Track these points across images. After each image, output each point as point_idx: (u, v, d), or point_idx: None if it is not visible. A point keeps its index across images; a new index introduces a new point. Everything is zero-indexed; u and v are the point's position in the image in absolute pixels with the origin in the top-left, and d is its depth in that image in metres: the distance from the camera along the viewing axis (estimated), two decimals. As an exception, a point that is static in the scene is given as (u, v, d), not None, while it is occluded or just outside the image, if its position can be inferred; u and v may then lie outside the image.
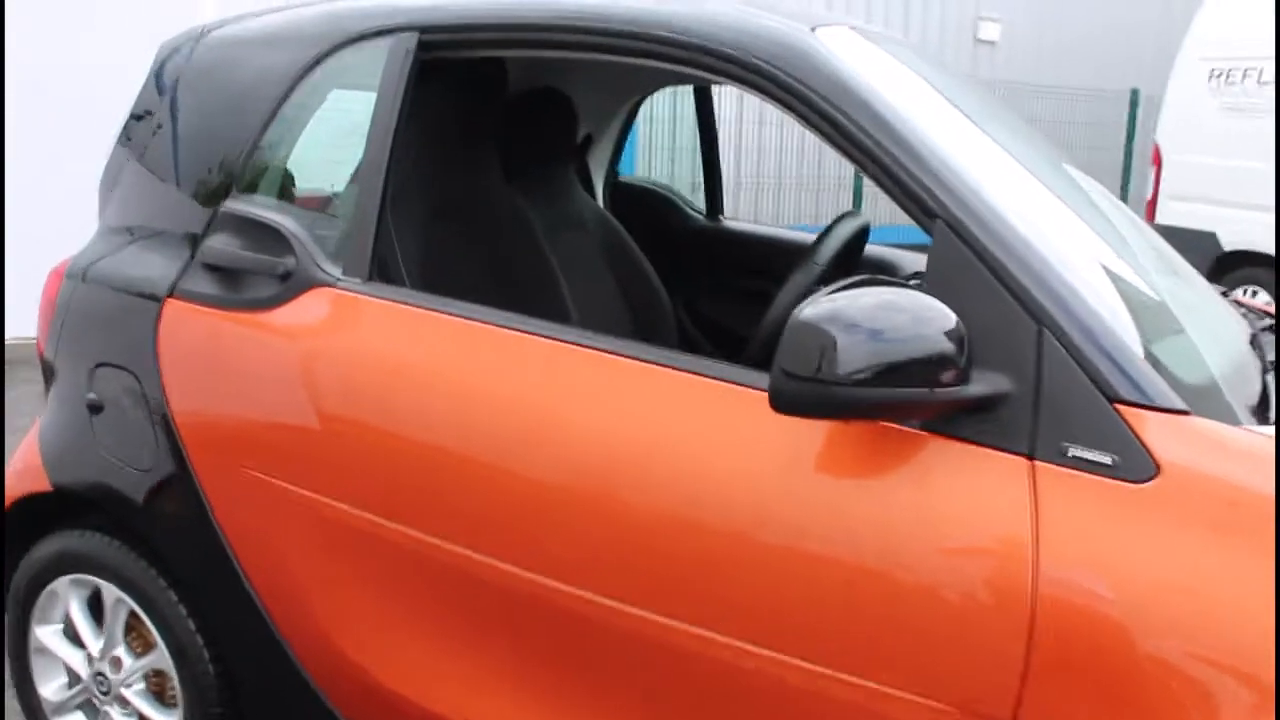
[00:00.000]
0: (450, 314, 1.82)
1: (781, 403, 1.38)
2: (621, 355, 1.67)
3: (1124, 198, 11.80)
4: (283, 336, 1.94)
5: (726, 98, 10.29)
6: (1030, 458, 1.39)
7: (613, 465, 1.62)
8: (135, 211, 2.27)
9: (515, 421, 1.70)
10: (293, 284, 1.95)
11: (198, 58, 2.25)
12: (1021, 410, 1.41)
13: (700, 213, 3.39)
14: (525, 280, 2.45)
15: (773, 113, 10.59)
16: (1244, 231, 7.34)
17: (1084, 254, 1.59)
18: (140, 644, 2.26)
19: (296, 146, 2.11)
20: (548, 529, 1.66)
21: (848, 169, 11.30)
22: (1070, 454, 1.38)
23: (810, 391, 1.35)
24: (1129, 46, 12.98)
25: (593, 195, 3.28)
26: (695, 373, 1.61)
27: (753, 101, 10.62)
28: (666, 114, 10.19)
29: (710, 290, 3.30)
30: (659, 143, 10.36)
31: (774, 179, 11.31)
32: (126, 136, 2.33)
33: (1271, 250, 6.98)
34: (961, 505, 1.40)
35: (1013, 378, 1.42)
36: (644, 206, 3.40)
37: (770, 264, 3.14)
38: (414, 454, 1.78)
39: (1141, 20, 13.06)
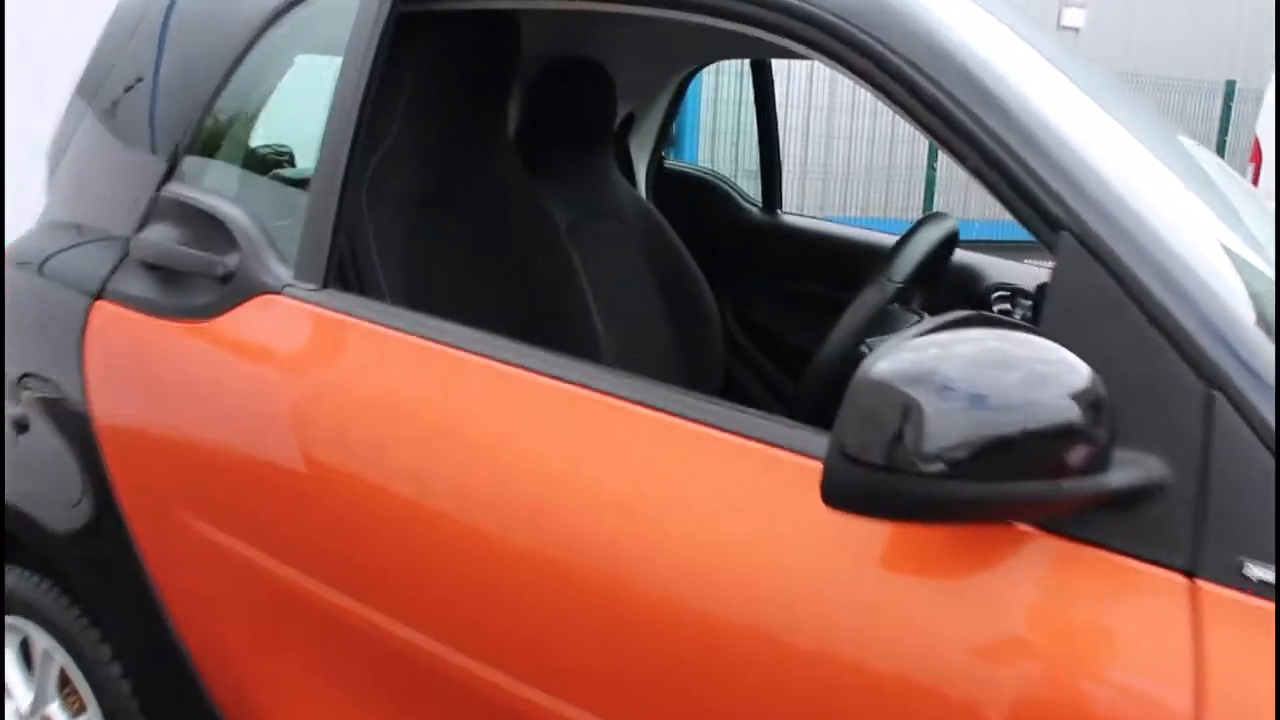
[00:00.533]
0: (421, 336, 1.43)
1: (840, 496, 0.98)
2: (625, 399, 1.27)
3: (1216, 194, 11.13)
4: (216, 353, 1.57)
5: (795, 76, 9.80)
6: (1191, 576, 0.98)
7: (618, 546, 1.22)
8: (80, 196, 1.92)
9: (503, 480, 1.31)
10: (233, 289, 1.57)
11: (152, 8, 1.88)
12: (1181, 508, 0.99)
13: (756, 205, 2.98)
14: (541, 288, 2.05)
15: (845, 96, 10.10)
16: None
17: (1258, 284, 1.16)
18: (76, 702, 1.92)
19: (254, 120, 1.74)
20: (535, 621, 1.27)
21: (921, 156, 10.76)
22: (1247, 573, 0.96)
23: (881, 484, 0.94)
24: (1221, 36, 12.24)
25: (633, 183, 2.88)
26: (733, 431, 1.21)
27: (823, 83, 10.11)
28: (733, 95, 9.69)
29: (765, 294, 2.90)
30: (724, 125, 9.88)
31: (843, 168, 10.78)
32: (83, 101, 1.97)
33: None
34: (1092, 641, 0.99)
35: (1170, 461, 1.00)
36: (692, 196, 3.00)
37: (835, 266, 2.74)
38: (368, 511, 1.40)
39: (1235, 9, 12.32)
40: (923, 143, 10.33)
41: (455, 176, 1.95)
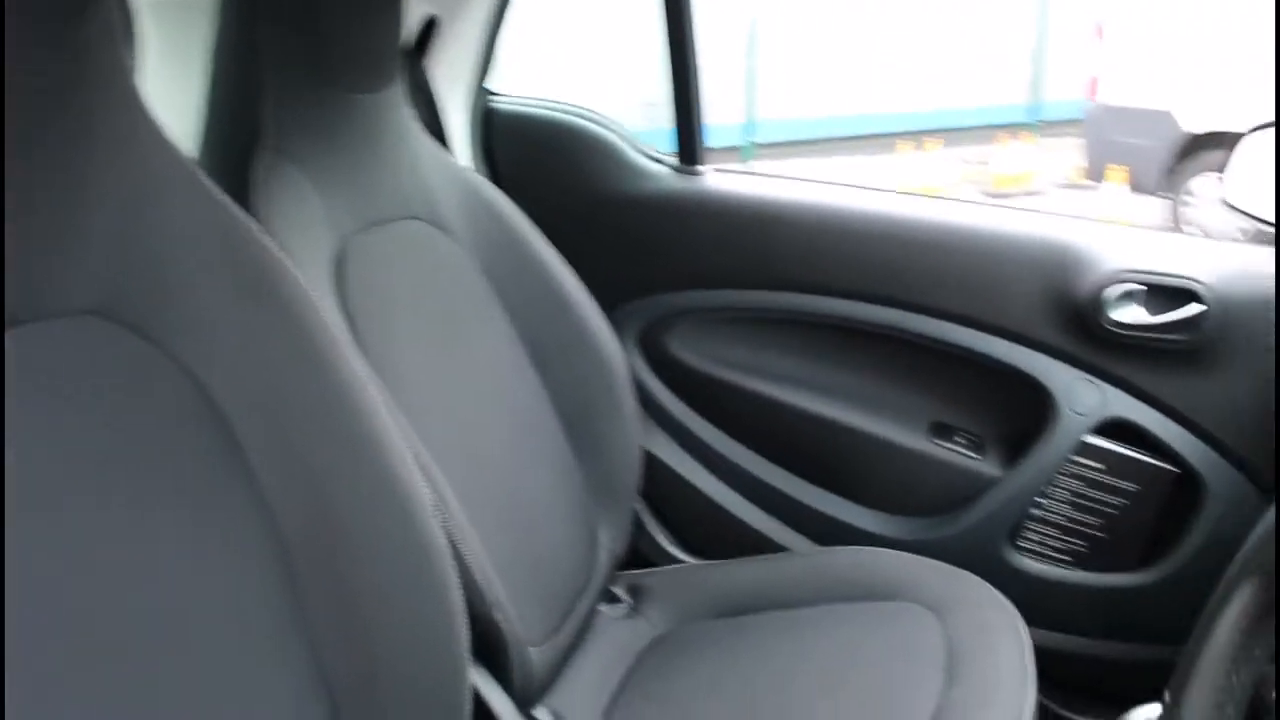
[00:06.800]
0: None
1: None
2: None
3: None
4: None
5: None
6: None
7: None
8: None
9: None
10: None
11: None
12: None
13: (665, 159, 1.77)
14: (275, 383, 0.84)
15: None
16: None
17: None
18: None
19: None
20: None
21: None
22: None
23: None
24: None
25: (443, 141, 1.63)
26: None
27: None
28: None
29: (692, 309, 1.73)
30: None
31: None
32: None
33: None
34: None
35: None
36: (551, 154, 1.77)
37: (810, 253, 1.65)
38: None
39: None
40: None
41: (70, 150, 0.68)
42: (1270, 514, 0.65)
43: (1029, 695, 1.15)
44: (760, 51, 9.49)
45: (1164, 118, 6.42)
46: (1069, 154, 8.17)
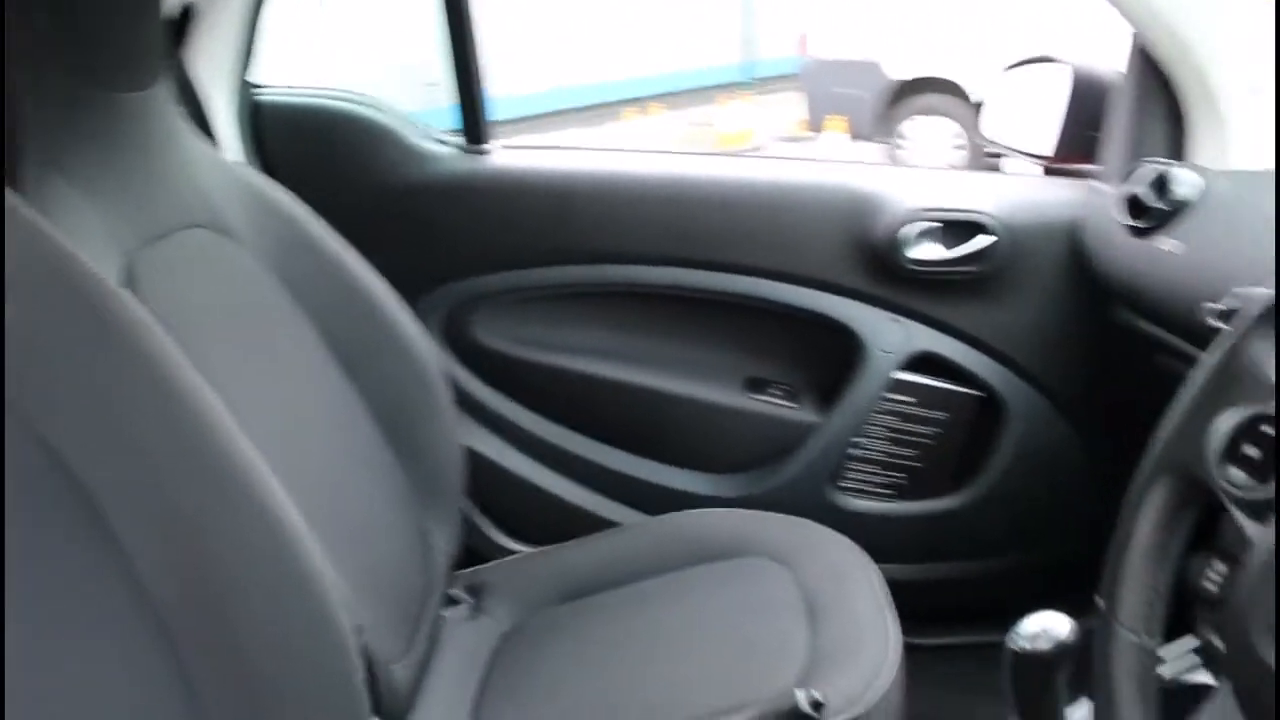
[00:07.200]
0: None
1: None
2: None
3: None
4: None
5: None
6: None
7: None
8: None
9: None
10: None
11: None
12: None
13: (450, 140, 1.71)
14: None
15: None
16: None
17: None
18: None
19: None
20: None
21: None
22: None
23: None
24: None
25: (210, 136, 1.50)
26: None
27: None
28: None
29: (495, 292, 1.68)
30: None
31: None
32: None
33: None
34: None
35: None
36: (328, 145, 1.66)
37: (614, 224, 1.63)
38: None
39: None
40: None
41: None
42: (1178, 414, 0.68)
43: (893, 629, 1.17)
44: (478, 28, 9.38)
45: (872, 68, 6.80)
46: (789, 108, 8.52)
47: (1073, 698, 0.82)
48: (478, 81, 1.64)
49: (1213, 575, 0.62)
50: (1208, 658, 0.67)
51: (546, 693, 1.22)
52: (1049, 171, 1.61)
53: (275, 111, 1.65)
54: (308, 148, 1.64)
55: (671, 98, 9.83)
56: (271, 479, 0.78)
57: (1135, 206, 1.31)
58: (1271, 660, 0.51)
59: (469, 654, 1.32)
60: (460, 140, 1.68)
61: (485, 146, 1.68)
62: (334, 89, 1.70)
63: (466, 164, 1.67)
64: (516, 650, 1.32)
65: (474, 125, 1.66)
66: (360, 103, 1.69)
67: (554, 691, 1.21)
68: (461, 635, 1.34)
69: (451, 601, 1.39)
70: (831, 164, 1.71)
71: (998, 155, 1.88)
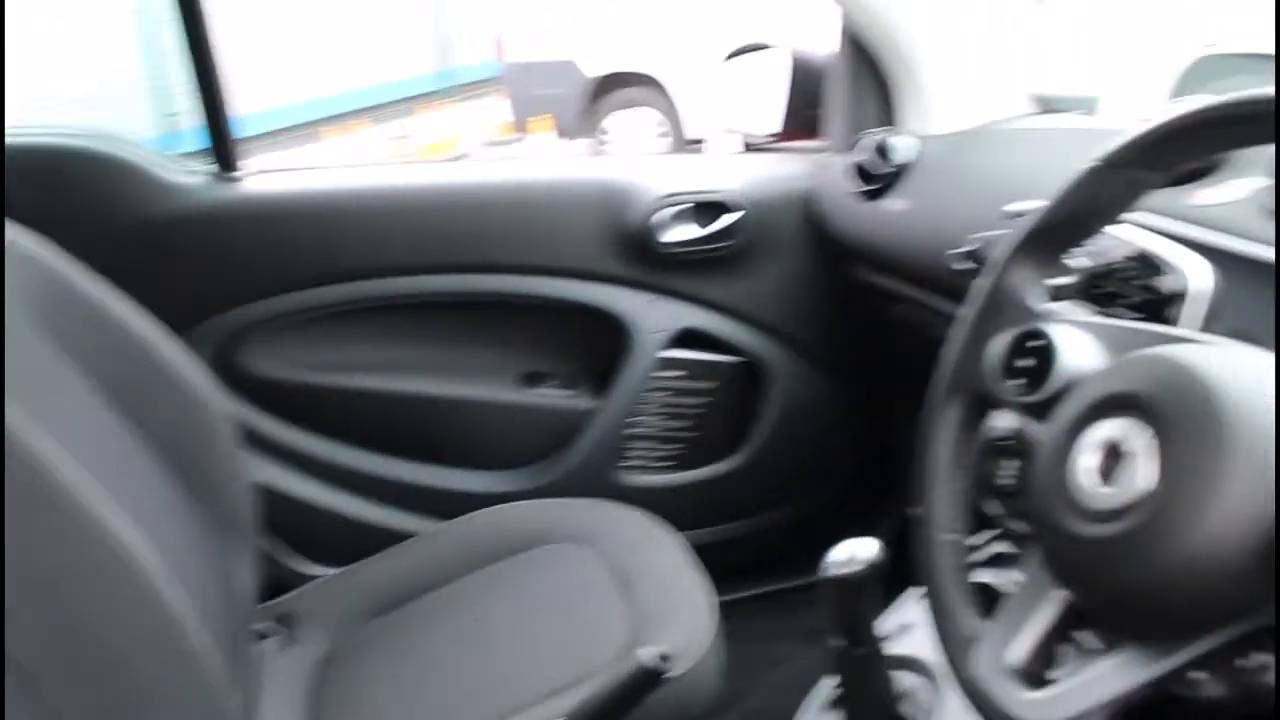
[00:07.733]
0: None
1: None
2: None
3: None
4: None
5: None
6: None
7: None
8: None
9: None
10: None
11: None
12: None
13: (196, 170, 1.66)
14: None
15: None
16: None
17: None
18: None
19: None
20: None
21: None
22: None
23: None
24: None
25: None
26: None
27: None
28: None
29: (263, 319, 1.65)
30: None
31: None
32: None
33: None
34: None
35: None
36: (68, 187, 1.58)
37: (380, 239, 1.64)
38: None
39: None
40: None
41: None
42: (958, 342, 0.79)
43: (703, 589, 1.25)
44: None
45: (569, 67, 6.95)
46: (492, 113, 8.55)
47: (883, 606, 0.93)
48: (223, 107, 1.61)
49: (1006, 472, 0.74)
50: (1010, 539, 0.80)
51: (378, 709, 1.21)
52: (779, 147, 1.75)
53: (10, 154, 1.55)
54: (46, 191, 1.54)
55: (375, 111, 9.62)
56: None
57: (862, 173, 1.46)
58: (1068, 525, 0.63)
59: (289, 688, 1.29)
60: (212, 167, 1.64)
61: (236, 174, 1.65)
62: (67, 127, 1.62)
63: (218, 192, 1.63)
64: (337, 674, 1.31)
65: (224, 152, 1.62)
66: (97, 138, 1.61)
67: (388, 707, 1.21)
68: (278, 669, 1.32)
69: (263, 636, 1.37)
70: (584, 160, 1.79)
71: (699, 140, 2.02)
